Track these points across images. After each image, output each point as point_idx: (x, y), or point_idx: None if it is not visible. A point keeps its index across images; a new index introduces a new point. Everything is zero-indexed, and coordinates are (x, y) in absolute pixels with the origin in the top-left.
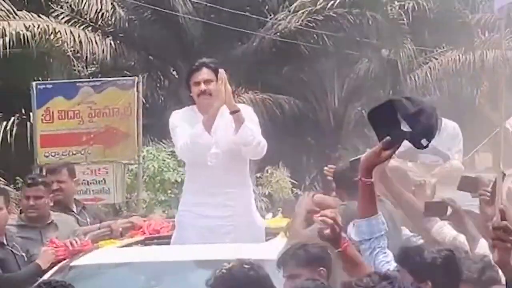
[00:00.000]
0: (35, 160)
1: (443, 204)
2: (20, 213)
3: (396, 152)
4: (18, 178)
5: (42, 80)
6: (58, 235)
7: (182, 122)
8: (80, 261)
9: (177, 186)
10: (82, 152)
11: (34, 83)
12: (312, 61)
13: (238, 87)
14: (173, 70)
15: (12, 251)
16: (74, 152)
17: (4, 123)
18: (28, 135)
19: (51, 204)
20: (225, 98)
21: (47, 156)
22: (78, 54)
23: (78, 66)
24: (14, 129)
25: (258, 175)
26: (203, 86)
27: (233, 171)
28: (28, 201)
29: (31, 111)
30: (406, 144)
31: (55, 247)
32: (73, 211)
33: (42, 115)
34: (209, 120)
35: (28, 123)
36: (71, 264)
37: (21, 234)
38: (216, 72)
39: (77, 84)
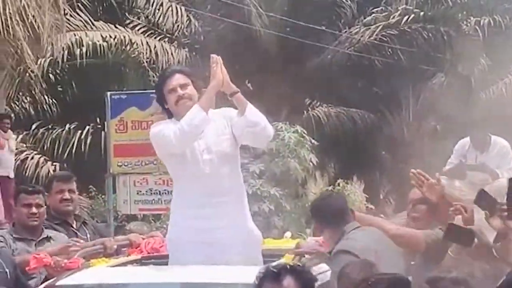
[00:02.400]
0: (108, 169)
1: (470, 232)
2: (13, 225)
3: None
4: (91, 187)
5: (118, 90)
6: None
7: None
8: (66, 281)
9: (248, 198)
10: (155, 163)
11: (108, 93)
12: (386, 75)
13: (313, 100)
14: (248, 82)
15: None
16: (147, 162)
17: (79, 132)
18: (102, 144)
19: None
20: (223, 80)
21: (120, 166)
22: (154, 65)
23: (154, 77)
24: (89, 138)
25: (330, 187)
26: (180, 91)
27: (228, 177)
28: (29, 209)
29: (105, 121)
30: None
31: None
32: (72, 226)
33: (116, 125)
34: (207, 101)
35: (102, 133)
36: (57, 283)
37: (14, 247)
38: (190, 76)
39: (151, 94)
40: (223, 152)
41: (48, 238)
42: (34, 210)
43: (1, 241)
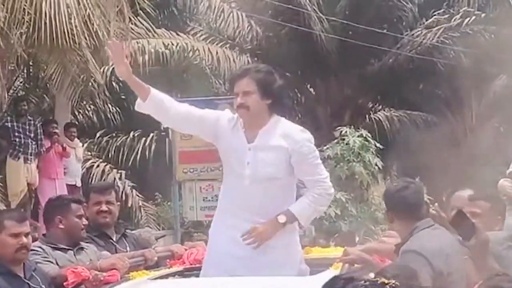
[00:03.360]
0: (174, 176)
1: (471, 226)
2: (44, 235)
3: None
4: (157, 194)
5: (180, 97)
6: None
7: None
8: None
9: None
10: (220, 169)
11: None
12: (449, 77)
13: (375, 104)
14: (310, 87)
15: (29, 284)
16: (212, 169)
17: (143, 139)
18: (167, 151)
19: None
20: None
21: (185, 172)
22: (216, 71)
23: (216, 83)
24: (153, 145)
25: None
26: (239, 100)
27: (274, 197)
28: (80, 219)
29: (170, 128)
30: None
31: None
32: (111, 239)
33: (181, 132)
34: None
35: (167, 140)
36: None
37: (51, 258)
38: (259, 82)
39: (215, 101)
40: (269, 175)
41: (83, 248)
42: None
43: (39, 253)
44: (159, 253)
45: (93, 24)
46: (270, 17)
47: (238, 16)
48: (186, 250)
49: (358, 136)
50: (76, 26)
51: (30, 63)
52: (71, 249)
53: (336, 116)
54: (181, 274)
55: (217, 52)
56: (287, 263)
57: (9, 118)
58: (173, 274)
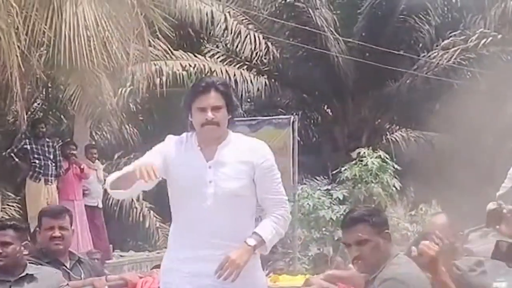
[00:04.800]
0: None
1: None
2: None
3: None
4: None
5: None
6: None
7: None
8: None
9: (332, 223)
10: None
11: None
12: (465, 98)
13: (392, 124)
14: (327, 108)
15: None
16: None
17: None
18: None
19: (25, 253)
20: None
21: None
22: (233, 93)
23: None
24: None
25: (413, 212)
26: (209, 114)
27: (236, 218)
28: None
29: None
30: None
31: None
32: (65, 265)
33: None
34: (121, 182)
35: None
36: None
37: None
38: (226, 96)
39: (234, 123)
40: (233, 192)
41: (29, 278)
42: (57, 233)
43: None
44: (111, 282)
45: (112, 47)
46: (287, 38)
47: (255, 37)
48: (140, 278)
49: (376, 157)
50: (95, 48)
51: (49, 85)
52: (9, 281)
53: (353, 137)
54: None
55: (234, 74)
56: None
57: (27, 140)
58: None
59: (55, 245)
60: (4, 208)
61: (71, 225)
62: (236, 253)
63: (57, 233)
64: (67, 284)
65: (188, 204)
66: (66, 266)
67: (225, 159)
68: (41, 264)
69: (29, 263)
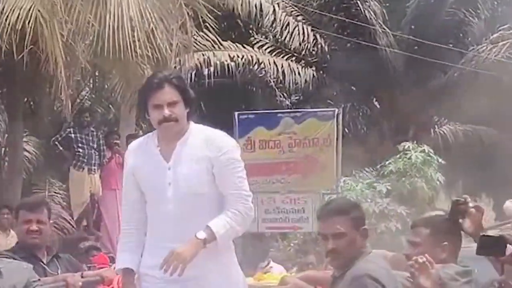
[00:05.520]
0: None
1: (501, 240)
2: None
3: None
4: None
5: (245, 110)
6: None
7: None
8: None
9: (375, 216)
10: (282, 181)
11: (236, 113)
12: None
13: (440, 118)
14: (375, 100)
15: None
16: (274, 181)
17: None
18: None
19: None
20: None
21: None
22: (281, 85)
23: (280, 96)
24: None
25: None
26: (166, 111)
27: (201, 217)
28: (30, 225)
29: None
30: None
31: None
32: (41, 261)
33: (244, 145)
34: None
35: None
36: None
37: None
38: (181, 91)
39: (278, 114)
40: (193, 191)
41: None
42: (34, 227)
43: None
44: (87, 278)
45: (155, 38)
46: (336, 31)
47: (303, 29)
48: (117, 274)
49: (420, 151)
50: (139, 40)
51: (96, 74)
52: None
53: (401, 130)
54: None
55: (282, 65)
56: None
57: (72, 129)
58: None
59: (31, 239)
60: (51, 195)
61: (49, 219)
62: (182, 247)
63: (34, 226)
64: (39, 279)
65: (152, 209)
66: (42, 262)
67: (182, 158)
68: (14, 259)
69: (2, 257)
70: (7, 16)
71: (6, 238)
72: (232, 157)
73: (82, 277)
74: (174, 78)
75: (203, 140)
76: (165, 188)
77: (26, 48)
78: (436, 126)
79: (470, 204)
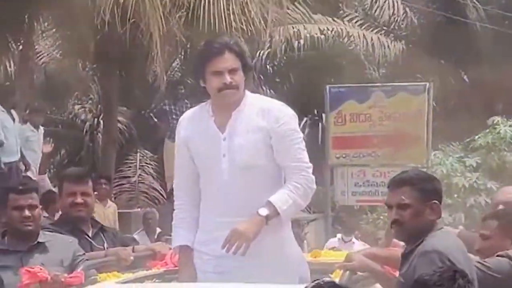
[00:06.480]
0: (327, 161)
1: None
2: (3, 236)
3: None
4: None
5: (334, 83)
6: (45, 261)
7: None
8: None
9: (464, 191)
10: (373, 155)
11: (327, 86)
12: None
13: None
14: (464, 74)
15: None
16: (365, 155)
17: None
18: (319, 136)
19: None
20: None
21: (338, 158)
22: (370, 58)
23: (370, 69)
24: (306, 129)
25: None
26: (227, 78)
27: (256, 190)
28: (21, 212)
29: (323, 113)
30: None
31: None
32: (87, 234)
33: (335, 118)
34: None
35: (320, 124)
36: None
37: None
38: (241, 57)
39: (369, 88)
40: (249, 163)
41: (42, 247)
42: (26, 213)
43: None
44: (138, 253)
45: (250, 11)
46: (426, 5)
47: (393, 3)
48: (170, 249)
49: (510, 126)
50: (233, 13)
51: (188, 46)
52: (21, 252)
53: (490, 104)
54: (161, 277)
55: (371, 39)
56: (281, 268)
57: (166, 101)
58: (151, 277)
59: (76, 211)
60: (142, 166)
61: (94, 190)
62: (244, 225)
63: (79, 199)
64: (84, 254)
65: (205, 182)
66: (87, 235)
67: (238, 128)
68: (60, 233)
69: (47, 230)
70: None
71: (104, 208)
72: (290, 128)
73: (133, 251)
74: (235, 44)
75: (260, 110)
76: (219, 159)
77: (129, 22)
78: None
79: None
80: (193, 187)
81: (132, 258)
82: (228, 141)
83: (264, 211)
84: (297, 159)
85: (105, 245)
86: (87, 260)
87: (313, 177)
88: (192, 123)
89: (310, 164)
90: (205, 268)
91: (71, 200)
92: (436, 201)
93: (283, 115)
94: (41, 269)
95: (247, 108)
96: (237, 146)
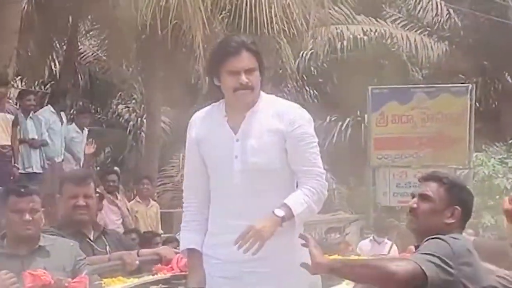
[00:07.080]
0: (368, 162)
1: None
2: (3, 238)
3: None
4: (350, 178)
5: (376, 84)
6: (47, 266)
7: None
8: None
9: (506, 192)
10: (414, 156)
11: (370, 87)
12: None
13: None
14: (507, 75)
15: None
16: (407, 156)
17: (340, 123)
18: (362, 137)
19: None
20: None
21: (380, 159)
22: (413, 59)
23: (412, 70)
24: (349, 130)
25: None
26: (243, 78)
27: (268, 194)
28: (22, 215)
29: (365, 114)
30: None
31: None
32: (88, 237)
33: (377, 119)
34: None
35: (363, 125)
36: None
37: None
38: (258, 58)
39: (412, 89)
40: (262, 167)
41: (43, 251)
42: (27, 217)
43: None
44: (144, 257)
45: (292, 13)
46: (469, 6)
47: (437, 4)
48: (176, 253)
49: None
50: (275, 15)
51: None
52: (22, 255)
53: None
54: (167, 282)
55: (415, 40)
56: (291, 273)
57: (209, 101)
58: (157, 283)
59: (79, 214)
60: None
61: (96, 192)
62: (262, 223)
63: (81, 201)
64: (85, 258)
65: (216, 184)
66: (89, 238)
67: (252, 130)
68: (61, 236)
69: (47, 234)
70: None
71: (146, 207)
72: (306, 132)
73: (138, 255)
74: (252, 44)
75: (275, 112)
76: (231, 161)
77: (170, 23)
78: None
79: None
80: (203, 188)
81: (137, 262)
82: (241, 142)
83: (280, 212)
84: (312, 163)
85: (108, 248)
86: (88, 264)
87: (327, 183)
88: (204, 123)
89: (324, 170)
90: (213, 272)
91: (73, 202)
92: (459, 208)
93: (299, 118)
94: (44, 272)
95: (262, 109)
96: (250, 148)
